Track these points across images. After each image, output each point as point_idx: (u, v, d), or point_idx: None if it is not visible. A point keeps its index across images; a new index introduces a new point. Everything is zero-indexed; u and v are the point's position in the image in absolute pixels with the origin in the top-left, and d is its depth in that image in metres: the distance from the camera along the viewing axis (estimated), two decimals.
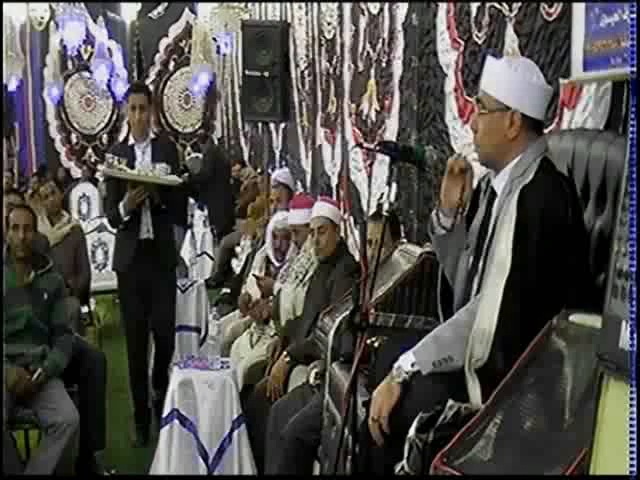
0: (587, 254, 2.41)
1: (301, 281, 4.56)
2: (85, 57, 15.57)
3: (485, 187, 2.54)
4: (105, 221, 8.09)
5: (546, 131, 3.04)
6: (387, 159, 2.58)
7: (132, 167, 4.90)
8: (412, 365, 2.33)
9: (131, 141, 5.04)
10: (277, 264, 5.09)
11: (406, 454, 2.17)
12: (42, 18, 12.83)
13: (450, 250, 2.57)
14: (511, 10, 3.30)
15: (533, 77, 2.41)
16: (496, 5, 3.43)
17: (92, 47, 15.25)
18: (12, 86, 14.28)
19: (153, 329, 5.21)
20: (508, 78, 2.42)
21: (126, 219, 4.90)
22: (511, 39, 3.30)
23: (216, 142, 14.82)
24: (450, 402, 2.17)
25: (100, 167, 13.89)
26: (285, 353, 4.19)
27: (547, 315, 2.14)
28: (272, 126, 9.07)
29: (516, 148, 2.40)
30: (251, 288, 5.38)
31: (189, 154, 14.53)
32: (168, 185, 4.89)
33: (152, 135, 5.10)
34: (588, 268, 2.39)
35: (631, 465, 1.36)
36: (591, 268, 2.49)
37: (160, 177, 4.89)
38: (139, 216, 4.95)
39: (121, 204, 4.89)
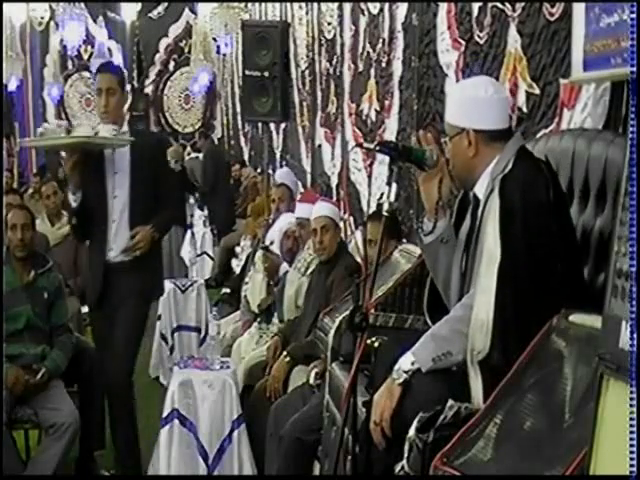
0: (573, 233, 2.42)
1: (303, 274, 4.58)
2: (85, 57, 15.57)
3: (472, 198, 2.56)
4: None
5: (546, 131, 3.04)
6: (387, 159, 2.59)
7: (99, 170, 3.90)
8: (412, 363, 2.34)
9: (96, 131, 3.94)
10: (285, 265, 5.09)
11: (406, 454, 2.18)
12: (42, 18, 12.85)
13: (441, 255, 2.57)
14: (514, 10, 3.30)
15: (480, 92, 2.44)
16: (498, 5, 3.43)
17: (92, 47, 15.26)
18: (12, 86, 14.29)
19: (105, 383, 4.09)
20: (457, 100, 2.52)
21: (74, 204, 3.91)
22: (514, 39, 3.30)
23: (216, 141, 14.83)
24: (450, 402, 2.17)
25: None
26: (285, 353, 4.20)
27: (543, 298, 2.17)
28: (272, 126, 9.08)
29: (481, 163, 2.44)
30: (250, 290, 5.40)
31: (189, 154, 14.54)
32: (117, 145, 3.86)
33: (126, 129, 4.01)
34: (576, 246, 2.41)
35: (631, 465, 1.36)
36: (590, 266, 2.50)
37: (94, 137, 3.82)
38: (105, 227, 3.92)
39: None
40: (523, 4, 3.23)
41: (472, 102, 2.44)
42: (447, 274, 2.56)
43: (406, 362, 2.35)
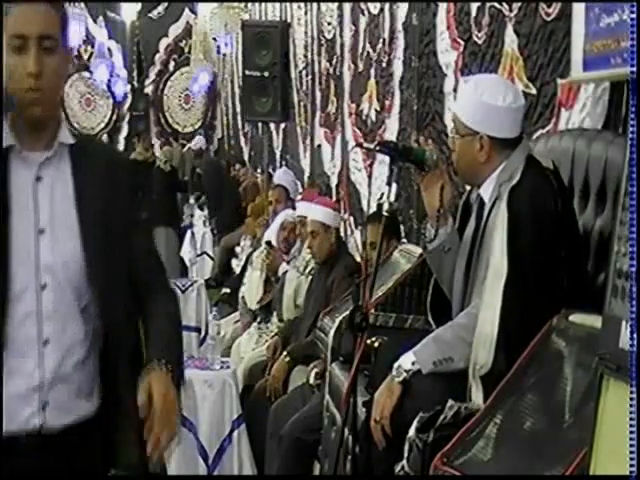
0: (580, 244, 2.42)
1: (302, 273, 4.60)
2: (85, 57, 15.56)
3: (476, 199, 2.55)
4: None
5: (543, 131, 3.04)
6: (387, 159, 2.59)
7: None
8: (412, 364, 2.34)
9: (7, 141, 1.74)
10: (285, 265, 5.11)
11: (406, 454, 2.18)
12: None
13: (444, 263, 2.57)
14: (511, 10, 3.30)
15: (498, 100, 2.40)
16: (496, 5, 3.43)
17: (92, 47, 15.24)
18: None
19: None
20: (474, 102, 2.45)
21: None
22: (510, 39, 3.30)
23: (215, 142, 14.82)
24: (450, 402, 2.17)
25: None
26: (285, 353, 4.20)
27: (548, 312, 2.15)
28: (272, 126, 9.08)
29: (490, 168, 2.43)
30: (247, 290, 5.41)
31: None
32: None
33: (68, 138, 1.80)
34: (582, 259, 2.41)
35: (631, 465, 1.36)
36: (590, 266, 2.50)
37: None
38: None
39: None
40: (520, 4, 3.23)
41: (490, 109, 2.40)
42: (451, 280, 2.56)
43: (407, 361, 2.35)
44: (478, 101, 2.43)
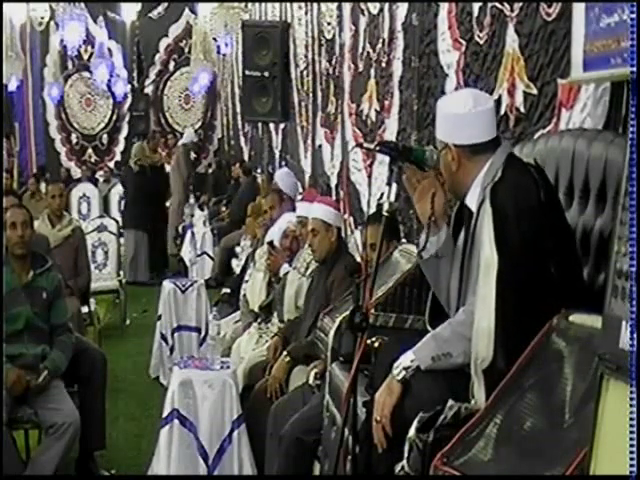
0: (569, 234, 2.43)
1: (303, 274, 4.59)
2: (85, 57, 15.58)
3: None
4: (105, 221, 8.11)
5: (544, 131, 3.04)
6: (387, 159, 2.59)
7: None
8: (411, 361, 2.34)
9: None
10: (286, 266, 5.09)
11: (406, 454, 2.18)
12: (42, 18, 12.84)
13: (440, 271, 2.57)
14: (512, 10, 3.31)
15: (459, 107, 2.45)
16: (497, 5, 3.43)
17: (92, 47, 15.27)
18: (12, 86, 14.27)
19: None
20: (440, 116, 2.53)
21: None
22: (512, 39, 3.30)
23: (212, 154, 14.73)
24: (450, 402, 2.18)
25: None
26: (285, 353, 4.19)
27: (542, 301, 2.17)
28: (272, 126, 9.08)
29: (466, 176, 2.46)
30: (250, 289, 5.40)
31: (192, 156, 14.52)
32: None
33: None
34: (572, 248, 2.41)
35: (631, 465, 1.36)
36: (590, 266, 2.50)
37: None
38: None
39: None
40: (521, 4, 3.23)
41: (452, 118, 2.47)
42: (448, 288, 2.56)
43: (406, 359, 2.36)
44: (443, 114, 2.51)
